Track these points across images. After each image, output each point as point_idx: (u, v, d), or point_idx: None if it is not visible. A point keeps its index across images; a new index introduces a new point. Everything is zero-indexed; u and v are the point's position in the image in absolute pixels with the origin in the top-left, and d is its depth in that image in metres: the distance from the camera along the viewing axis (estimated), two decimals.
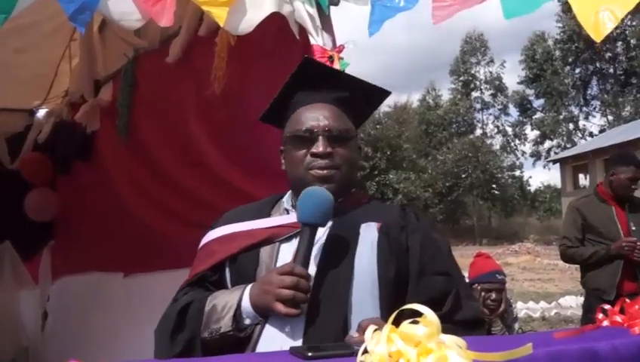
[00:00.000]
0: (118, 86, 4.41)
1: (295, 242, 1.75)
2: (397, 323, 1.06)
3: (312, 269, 1.70)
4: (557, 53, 42.54)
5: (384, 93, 1.97)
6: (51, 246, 5.95)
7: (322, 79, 1.88)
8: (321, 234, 1.76)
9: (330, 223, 1.76)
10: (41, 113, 5.81)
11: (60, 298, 5.72)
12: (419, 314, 1.04)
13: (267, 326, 1.68)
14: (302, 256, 1.68)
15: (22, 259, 5.98)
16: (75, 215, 5.49)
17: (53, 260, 5.91)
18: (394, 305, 1.40)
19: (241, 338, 1.70)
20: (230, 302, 1.72)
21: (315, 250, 1.73)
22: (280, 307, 1.61)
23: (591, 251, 4.82)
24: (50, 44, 4.76)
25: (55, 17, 4.03)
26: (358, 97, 1.90)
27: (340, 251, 1.74)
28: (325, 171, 1.79)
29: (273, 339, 1.65)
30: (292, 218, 1.82)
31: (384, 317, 1.57)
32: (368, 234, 1.77)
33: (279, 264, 1.75)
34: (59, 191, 5.75)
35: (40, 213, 5.68)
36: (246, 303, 1.69)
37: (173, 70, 3.74)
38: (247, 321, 1.70)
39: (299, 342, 1.62)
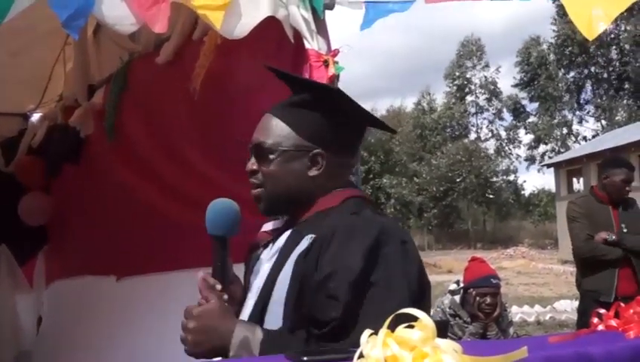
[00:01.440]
0: (109, 89, 4.43)
1: (270, 247, 1.76)
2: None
3: (259, 288, 1.70)
4: (551, 57, 42.68)
5: (335, 94, 1.78)
6: (46, 250, 5.93)
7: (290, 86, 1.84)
8: (274, 249, 1.73)
9: (282, 236, 1.73)
10: (36, 117, 5.80)
11: (54, 302, 5.71)
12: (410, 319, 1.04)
13: None
14: (214, 270, 1.71)
15: (17, 263, 5.95)
16: (68, 218, 5.48)
17: (47, 264, 5.90)
18: (294, 320, 1.53)
19: None
20: None
21: (266, 266, 1.73)
22: None
23: (608, 250, 4.82)
24: (44, 47, 4.75)
25: (50, 20, 4.00)
26: (305, 99, 1.74)
27: (274, 266, 1.68)
28: (253, 191, 1.76)
29: None
30: (272, 225, 1.85)
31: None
32: (301, 247, 1.64)
33: (257, 268, 1.78)
34: (53, 195, 5.74)
35: (34, 217, 5.66)
36: None
37: (163, 72, 3.75)
38: None
39: None
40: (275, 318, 1.62)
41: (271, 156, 1.70)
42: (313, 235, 1.62)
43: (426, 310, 1.60)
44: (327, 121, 1.72)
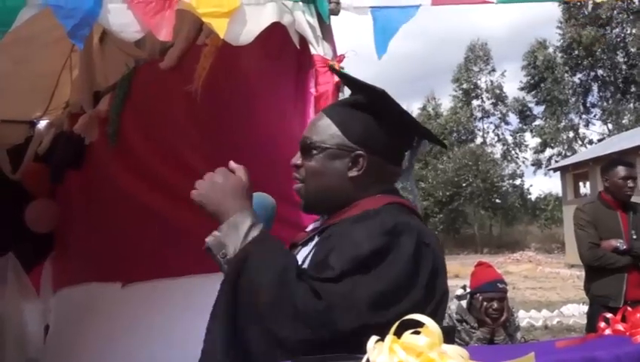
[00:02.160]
0: (114, 95, 4.45)
1: (311, 246, 1.76)
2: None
3: None
4: (558, 60, 42.65)
5: (376, 92, 1.77)
6: (52, 257, 5.95)
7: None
8: (308, 249, 1.76)
9: (316, 237, 1.75)
10: (42, 124, 5.83)
11: (61, 310, 5.71)
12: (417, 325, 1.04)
13: None
14: None
15: (24, 270, 5.96)
16: (73, 225, 5.49)
17: (54, 271, 5.91)
18: None
19: None
20: None
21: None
22: None
23: (616, 258, 4.78)
24: (50, 55, 4.76)
25: (55, 29, 4.03)
26: (356, 101, 1.80)
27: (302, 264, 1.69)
28: (296, 186, 1.80)
29: None
30: (315, 223, 1.86)
31: None
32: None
33: None
34: (58, 202, 5.76)
35: (40, 224, 5.68)
36: None
37: (167, 78, 3.76)
38: None
39: None
40: None
41: (314, 152, 1.75)
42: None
43: (437, 319, 1.55)
44: (374, 125, 1.75)
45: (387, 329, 1.05)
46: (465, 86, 47.71)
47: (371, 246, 1.50)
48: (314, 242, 1.75)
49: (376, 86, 1.78)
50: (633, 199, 4.98)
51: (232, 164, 1.76)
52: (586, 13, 40.39)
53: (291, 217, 2.34)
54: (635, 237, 4.78)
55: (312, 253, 1.69)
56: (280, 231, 1.85)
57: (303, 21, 2.66)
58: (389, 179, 1.81)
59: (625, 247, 4.73)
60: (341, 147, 1.74)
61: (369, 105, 1.76)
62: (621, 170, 4.83)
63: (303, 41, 2.69)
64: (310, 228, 1.88)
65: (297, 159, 1.79)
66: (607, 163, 5.15)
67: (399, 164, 1.83)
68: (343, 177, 1.74)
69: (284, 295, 1.46)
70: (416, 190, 2.02)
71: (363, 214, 1.63)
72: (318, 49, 2.64)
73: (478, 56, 47.61)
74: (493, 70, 47.80)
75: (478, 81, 47.97)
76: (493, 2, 2.85)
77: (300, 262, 1.69)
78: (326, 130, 1.76)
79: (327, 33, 2.71)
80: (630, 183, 4.82)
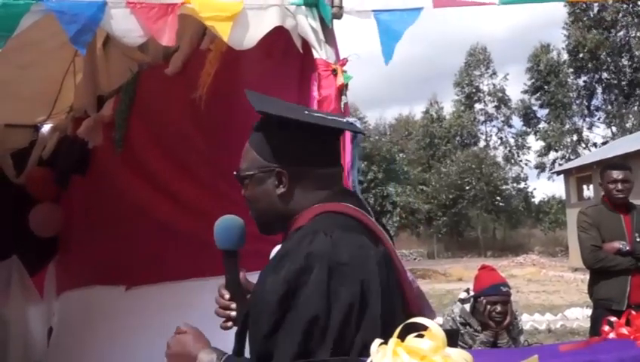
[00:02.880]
0: (119, 100, 4.45)
1: None
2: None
3: None
4: (562, 62, 42.68)
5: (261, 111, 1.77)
6: (56, 260, 5.96)
7: None
8: None
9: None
10: (46, 129, 5.84)
11: (64, 313, 5.72)
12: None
13: None
14: (227, 280, 1.89)
15: (28, 273, 5.98)
16: (78, 229, 5.50)
17: (58, 275, 5.92)
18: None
19: None
20: None
21: None
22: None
23: (618, 260, 4.79)
24: (54, 59, 4.77)
25: (59, 34, 4.04)
26: (263, 123, 1.78)
27: None
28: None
29: None
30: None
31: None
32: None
33: None
34: (62, 206, 5.77)
35: (44, 228, 5.69)
36: None
37: (172, 83, 3.77)
38: None
39: None
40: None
41: (245, 182, 1.79)
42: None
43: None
44: (281, 139, 1.75)
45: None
46: (467, 90, 47.78)
47: (275, 297, 1.51)
48: None
49: (259, 103, 1.78)
50: (633, 201, 4.99)
51: (180, 327, 1.79)
52: (592, 15, 40.41)
53: None
54: (638, 239, 4.78)
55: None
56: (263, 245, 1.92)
57: (306, 25, 2.66)
58: (325, 183, 1.76)
59: (628, 249, 4.73)
60: (262, 169, 1.75)
61: (268, 123, 1.77)
62: (611, 174, 4.89)
63: (306, 45, 2.69)
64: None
65: (242, 192, 1.83)
66: (603, 166, 5.18)
67: (332, 165, 1.81)
68: (272, 197, 1.75)
69: None
70: (357, 184, 2.24)
71: (277, 255, 1.62)
72: (321, 53, 2.64)
73: (478, 60, 47.67)
74: (495, 73, 47.88)
75: (480, 85, 48.03)
76: (495, 3, 2.85)
77: None
78: (249, 157, 1.79)
79: (329, 37, 2.72)
80: (619, 186, 4.83)
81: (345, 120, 1.92)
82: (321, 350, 1.46)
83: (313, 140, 1.76)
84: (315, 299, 1.49)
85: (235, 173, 1.83)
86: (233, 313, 1.88)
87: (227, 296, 1.88)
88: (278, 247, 1.80)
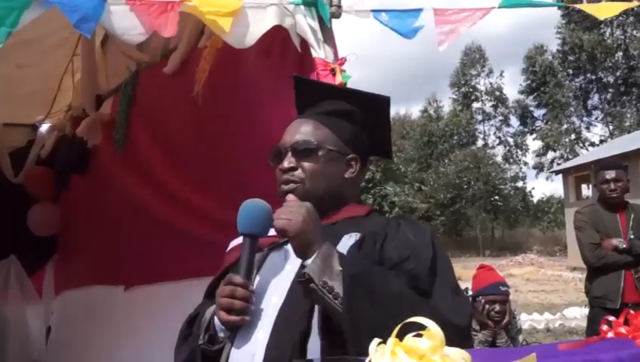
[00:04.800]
0: (118, 99, 4.45)
1: (285, 249, 1.77)
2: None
3: (286, 287, 1.69)
4: (556, 64, 42.68)
5: (379, 100, 1.92)
6: (54, 260, 5.95)
7: (310, 95, 1.96)
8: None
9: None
10: (44, 128, 5.83)
11: (63, 313, 5.72)
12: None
13: (234, 348, 1.68)
14: (243, 266, 1.70)
15: (27, 273, 5.97)
16: (76, 228, 5.49)
17: (56, 274, 5.91)
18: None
19: (213, 352, 1.72)
20: (208, 314, 1.76)
21: (289, 266, 1.73)
22: (222, 315, 1.65)
23: (619, 258, 4.81)
24: (52, 58, 4.77)
25: (58, 32, 4.05)
26: (346, 108, 1.89)
27: None
28: (286, 186, 1.81)
29: (239, 360, 1.65)
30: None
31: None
32: (345, 246, 1.69)
33: (263, 271, 1.78)
34: (61, 205, 5.76)
35: (43, 228, 5.68)
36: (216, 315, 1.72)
37: (170, 82, 3.76)
38: (222, 334, 1.71)
39: None
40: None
41: (319, 153, 1.81)
42: (357, 233, 1.71)
43: None
44: (363, 131, 1.89)
45: None
46: (463, 90, 47.80)
47: (432, 252, 1.67)
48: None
49: (379, 94, 1.89)
50: (629, 200, 5.02)
51: (290, 196, 1.76)
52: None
53: None
54: (632, 236, 4.81)
55: (356, 250, 1.69)
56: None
57: (305, 24, 2.66)
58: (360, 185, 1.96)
59: (625, 246, 4.76)
60: (340, 150, 1.84)
61: (358, 113, 1.88)
62: (603, 174, 4.94)
63: (305, 44, 2.69)
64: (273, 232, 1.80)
65: (291, 162, 1.81)
66: (598, 167, 5.21)
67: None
68: (341, 179, 1.83)
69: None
70: None
71: (407, 222, 1.78)
72: (320, 52, 2.64)
73: (474, 59, 47.66)
74: (491, 72, 47.91)
75: (477, 85, 48.04)
76: (495, 7, 2.85)
77: (287, 264, 1.75)
78: (322, 134, 1.84)
79: (328, 36, 2.71)
80: (612, 186, 4.87)
81: None
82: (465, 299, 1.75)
83: (378, 147, 1.97)
84: (449, 263, 1.72)
85: (297, 142, 1.82)
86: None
87: (239, 279, 1.67)
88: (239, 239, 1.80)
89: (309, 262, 1.56)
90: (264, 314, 1.68)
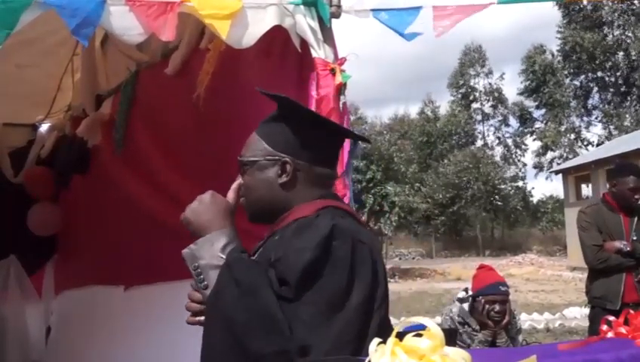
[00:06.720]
0: (118, 99, 4.45)
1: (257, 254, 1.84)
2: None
3: None
4: (556, 64, 42.70)
5: (278, 102, 1.86)
6: (54, 260, 5.95)
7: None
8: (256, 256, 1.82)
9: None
10: (44, 128, 5.83)
11: (62, 312, 5.72)
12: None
13: None
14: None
15: (26, 273, 5.97)
16: (76, 228, 5.49)
17: (56, 274, 5.91)
18: None
19: None
20: None
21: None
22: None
23: (621, 260, 4.79)
24: (52, 58, 4.77)
25: (57, 32, 4.05)
26: (274, 114, 1.86)
27: None
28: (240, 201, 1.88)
29: None
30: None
31: None
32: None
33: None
34: (61, 205, 5.76)
35: (43, 227, 5.68)
36: None
37: (171, 82, 3.76)
38: None
39: None
40: None
41: (246, 168, 1.85)
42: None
43: (382, 320, 1.64)
44: (295, 132, 1.82)
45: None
46: (462, 90, 47.79)
47: (311, 257, 1.57)
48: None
49: (282, 95, 1.85)
50: None
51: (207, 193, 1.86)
52: (585, 15, 40.43)
53: None
54: (635, 238, 4.79)
55: (260, 250, 1.81)
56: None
57: (304, 24, 2.66)
58: (323, 182, 1.86)
59: (629, 249, 4.74)
60: (267, 157, 1.82)
61: (286, 115, 1.84)
62: (631, 181, 4.80)
63: (304, 44, 2.69)
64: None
65: (239, 179, 1.88)
66: (617, 168, 5.12)
67: (331, 166, 1.89)
68: (274, 185, 1.82)
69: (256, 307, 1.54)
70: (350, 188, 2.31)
71: (300, 223, 1.70)
72: (320, 52, 2.64)
73: (472, 59, 47.64)
74: (490, 72, 47.90)
75: (476, 85, 48.03)
76: (494, 3, 2.85)
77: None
78: (254, 145, 1.85)
79: (328, 36, 2.71)
80: (637, 195, 4.80)
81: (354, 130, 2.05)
82: (340, 321, 1.52)
83: (324, 139, 1.87)
84: (339, 272, 1.58)
85: (238, 157, 1.87)
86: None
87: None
88: None
89: (191, 246, 1.79)
90: None
